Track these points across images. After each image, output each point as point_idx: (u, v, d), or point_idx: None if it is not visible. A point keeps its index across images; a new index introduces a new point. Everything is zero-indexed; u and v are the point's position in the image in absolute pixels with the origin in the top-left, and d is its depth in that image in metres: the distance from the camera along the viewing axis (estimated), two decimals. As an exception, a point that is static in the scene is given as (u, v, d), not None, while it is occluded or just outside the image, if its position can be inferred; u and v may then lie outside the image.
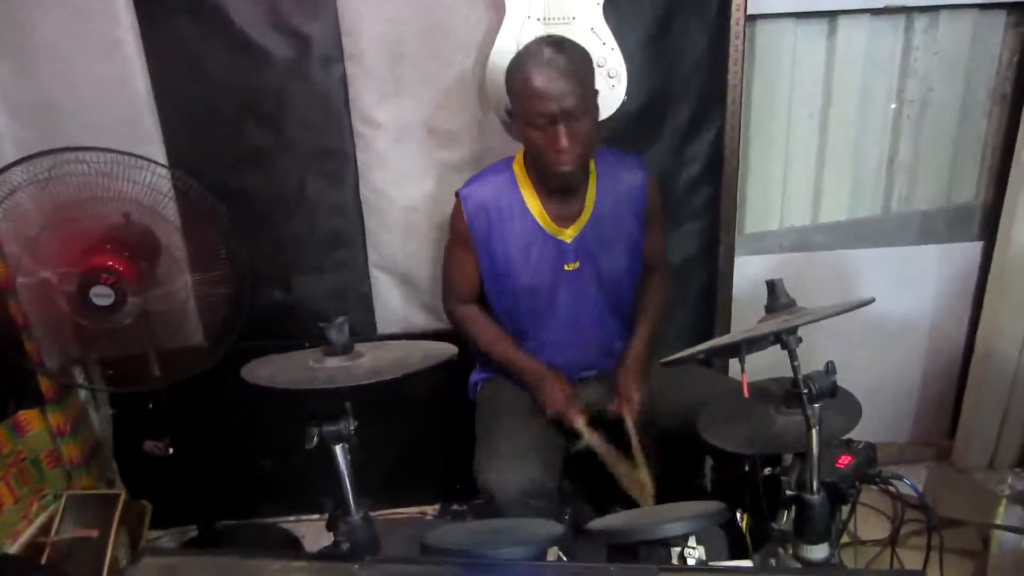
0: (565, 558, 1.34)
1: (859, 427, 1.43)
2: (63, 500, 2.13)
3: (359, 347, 1.40)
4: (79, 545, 2.09)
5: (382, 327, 2.36)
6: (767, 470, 1.45)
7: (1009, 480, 2.40)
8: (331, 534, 1.34)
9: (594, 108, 1.74)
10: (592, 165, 1.87)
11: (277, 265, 2.27)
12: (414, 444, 2.48)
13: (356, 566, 1.23)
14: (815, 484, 1.33)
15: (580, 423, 1.78)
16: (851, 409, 1.47)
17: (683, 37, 2.12)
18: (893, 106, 2.41)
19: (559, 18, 1.89)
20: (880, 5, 2.24)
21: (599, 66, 1.87)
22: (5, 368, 2.07)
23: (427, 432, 2.47)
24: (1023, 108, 2.29)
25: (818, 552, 1.35)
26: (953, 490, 2.45)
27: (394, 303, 2.34)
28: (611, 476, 1.78)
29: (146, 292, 1.89)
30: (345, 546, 1.30)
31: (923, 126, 2.42)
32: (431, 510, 2.54)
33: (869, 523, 2.08)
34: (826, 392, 1.36)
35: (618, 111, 1.99)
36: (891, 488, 1.50)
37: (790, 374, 1.36)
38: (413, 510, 2.56)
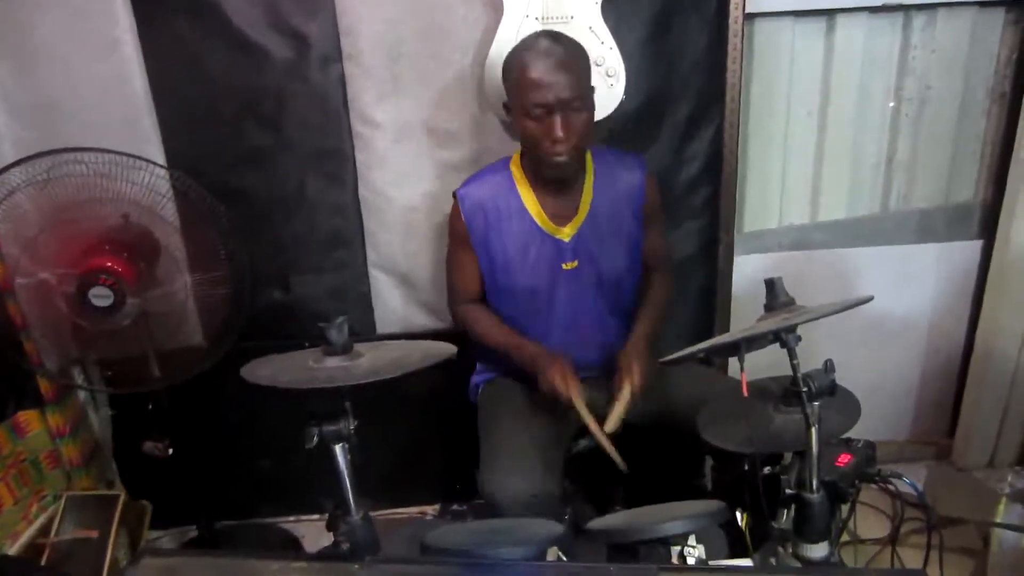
0: (565, 558, 1.34)
1: (858, 426, 1.43)
2: (63, 501, 2.13)
3: (358, 347, 1.40)
4: (79, 546, 2.09)
5: (381, 327, 2.36)
6: (767, 469, 1.45)
7: (1009, 478, 2.40)
8: (331, 534, 1.34)
9: (590, 103, 1.75)
10: (589, 163, 1.87)
11: (276, 265, 2.27)
12: (414, 444, 2.48)
13: (356, 566, 1.23)
14: (815, 483, 1.32)
15: (576, 395, 1.73)
16: (850, 408, 1.47)
17: (681, 36, 2.12)
18: (891, 104, 2.40)
19: (557, 17, 1.90)
20: (878, 3, 2.24)
21: (597, 65, 1.87)
22: (4, 369, 2.07)
23: (427, 432, 2.47)
24: (1022, 106, 2.29)
25: (818, 551, 1.35)
26: (953, 489, 2.45)
27: (393, 303, 2.34)
28: (610, 476, 1.78)
29: (145, 293, 1.89)
30: (345, 546, 1.30)
31: (922, 124, 2.42)
32: (431, 510, 2.54)
33: (869, 522, 2.08)
34: (825, 391, 1.36)
35: (617, 110, 1.99)
36: (891, 487, 1.50)
37: (789, 373, 1.36)
38: (413, 510, 2.56)
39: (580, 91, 1.70)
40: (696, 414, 1.57)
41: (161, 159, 2.07)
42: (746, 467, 1.46)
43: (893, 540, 1.76)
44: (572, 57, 1.70)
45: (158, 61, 2.03)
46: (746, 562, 1.38)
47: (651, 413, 1.87)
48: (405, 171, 2.17)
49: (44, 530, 2.11)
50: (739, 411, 1.46)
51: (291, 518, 2.56)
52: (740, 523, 1.47)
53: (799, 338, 1.35)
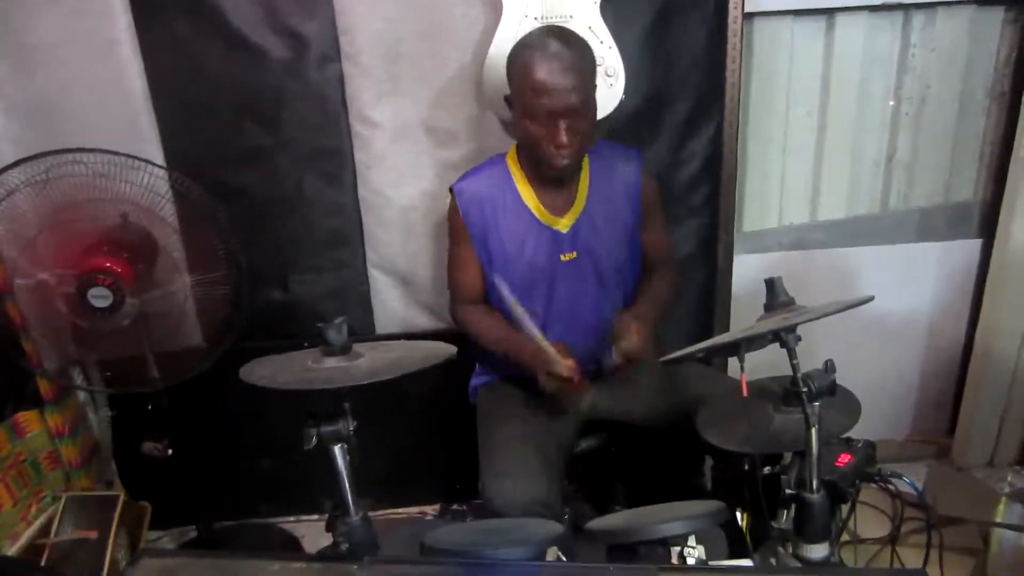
0: (564, 558, 1.34)
1: (858, 425, 1.43)
2: (62, 501, 2.13)
3: (358, 347, 1.40)
4: (78, 546, 2.08)
5: (381, 327, 2.36)
6: (766, 469, 1.45)
7: (1009, 478, 2.41)
8: (330, 534, 1.34)
9: (593, 104, 1.74)
10: (585, 155, 1.87)
11: (276, 265, 2.26)
12: (414, 444, 2.48)
13: (355, 566, 1.23)
14: (815, 483, 1.32)
15: (572, 371, 1.69)
16: (850, 407, 1.47)
17: (681, 35, 2.12)
18: (891, 103, 2.41)
19: (556, 16, 1.89)
20: (878, 2, 2.24)
21: (597, 64, 1.87)
22: (4, 369, 2.07)
23: (427, 432, 2.47)
24: (1021, 105, 2.29)
25: (818, 551, 1.35)
26: (953, 488, 2.45)
27: (393, 303, 2.34)
28: (611, 476, 1.78)
29: (144, 293, 1.89)
30: (344, 546, 1.30)
31: (921, 123, 2.42)
32: (431, 510, 2.54)
33: (869, 521, 2.08)
34: (825, 390, 1.36)
35: (616, 110, 1.99)
36: (891, 486, 1.50)
37: (789, 373, 1.36)
38: (413, 510, 2.56)
39: (587, 96, 1.68)
40: (696, 414, 1.57)
41: (160, 159, 2.07)
42: (746, 467, 1.46)
43: (893, 540, 1.76)
44: (580, 62, 1.67)
45: (156, 61, 2.03)
46: (746, 562, 1.38)
47: (651, 413, 1.86)
48: (404, 171, 2.17)
49: (43, 531, 2.11)
50: (739, 411, 1.45)
51: (291, 518, 2.55)
52: (740, 523, 1.47)
53: (799, 338, 1.35)
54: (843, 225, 2.51)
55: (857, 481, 1.43)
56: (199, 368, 2.03)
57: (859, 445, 1.48)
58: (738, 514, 1.47)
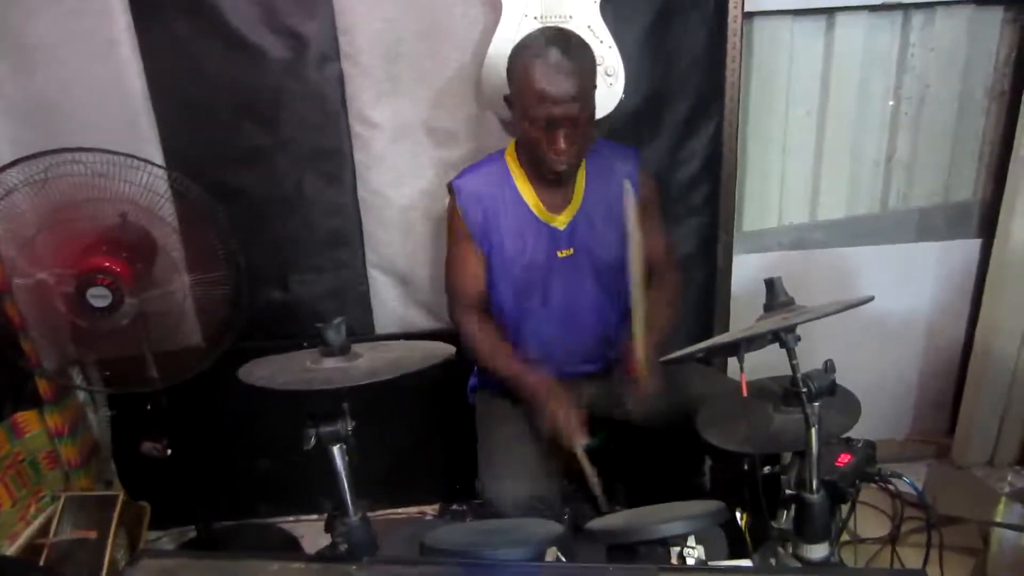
0: (564, 558, 1.34)
1: (858, 425, 1.43)
2: (61, 501, 2.13)
3: (357, 348, 1.40)
4: (78, 546, 2.08)
5: (380, 327, 2.36)
6: (766, 469, 1.45)
7: (1009, 477, 2.41)
8: (329, 535, 1.34)
9: (592, 107, 1.73)
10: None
11: (275, 265, 2.26)
12: (413, 444, 2.48)
13: (354, 567, 1.23)
14: (815, 483, 1.32)
15: (578, 445, 1.70)
16: (850, 407, 1.47)
17: (680, 35, 2.12)
18: (891, 103, 2.41)
19: (556, 16, 1.89)
20: (877, 2, 2.24)
21: (596, 64, 1.87)
22: (3, 369, 2.07)
23: (426, 432, 2.47)
24: (1021, 104, 2.28)
25: (818, 551, 1.35)
26: (953, 488, 2.45)
27: (392, 303, 2.34)
28: (611, 476, 1.78)
29: (143, 293, 1.89)
30: (343, 547, 1.30)
31: (921, 123, 2.42)
32: (431, 510, 2.54)
33: (869, 521, 2.08)
34: (825, 390, 1.35)
35: (616, 109, 1.99)
36: (891, 486, 1.50)
37: (789, 373, 1.36)
38: (412, 510, 2.56)
39: (587, 103, 1.68)
40: (696, 414, 1.57)
41: (159, 159, 2.07)
42: (746, 467, 1.46)
43: (893, 539, 1.76)
44: (582, 70, 1.66)
45: (156, 61, 2.03)
46: (746, 563, 1.38)
47: (651, 413, 1.86)
48: (404, 171, 2.17)
49: (43, 530, 2.10)
50: (739, 411, 1.45)
51: (290, 518, 2.55)
52: (740, 523, 1.47)
53: (798, 338, 1.35)
54: (843, 225, 2.51)
55: (857, 481, 1.43)
56: (198, 368, 2.02)
57: (859, 445, 1.48)
58: (738, 514, 1.47)
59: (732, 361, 2.32)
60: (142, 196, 1.87)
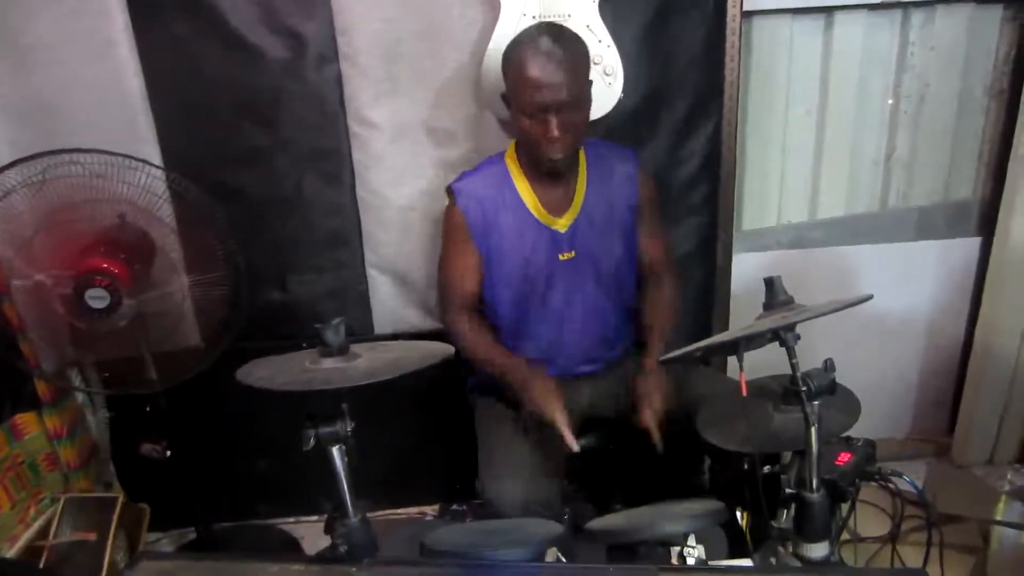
0: (564, 559, 1.33)
1: (858, 424, 1.43)
2: (61, 503, 2.12)
3: (355, 348, 1.40)
4: (77, 548, 2.08)
5: (379, 327, 2.36)
6: (766, 468, 1.45)
7: (1009, 476, 2.41)
8: (329, 536, 1.34)
9: (588, 100, 1.75)
10: (582, 155, 1.87)
11: (274, 265, 2.26)
12: (413, 444, 2.48)
13: (354, 568, 1.23)
14: (815, 482, 1.32)
15: (561, 422, 1.68)
16: (850, 406, 1.47)
17: (679, 33, 2.11)
18: (890, 102, 2.40)
19: (554, 15, 1.89)
20: (876, 0, 2.23)
21: (595, 64, 1.87)
22: (1, 371, 2.07)
23: (426, 432, 2.47)
24: (1020, 102, 2.28)
25: (818, 550, 1.34)
26: (953, 486, 2.44)
27: (391, 303, 2.34)
28: (612, 475, 1.77)
29: (142, 294, 1.89)
30: (343, 548, 1.30)
31: (920, 122, 2.42)
32: (431, 510, 2.54)
33: (869, 520, 2.08)
34: (825, 390, 1.35)
35: (615, 108, 1.99)
36: (891, 485, 1.50)
37: (789, 371, 1.35)
38: (413, 510, 2.56)
39: (579, 91, 1.70)
40: (696, 414, 1.57)
41: (157, 159, 2.06)
42: (746, 466, 1.45)
43: (893, 538, 1.77)
44: (573, 58, 1.68)
45: (154, 61, 2.02)
46: (746, 562, 1.38)
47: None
48: (403, 171, 2.16)
49: (42, 532, 2.10)
50: (738, 410, 1.45)
51: (290, 519, 2.55)
52: (740, 523, 1.47)
53: (798, 337, 1.35)
54: (842, 223, 2.51)
55: (857, 480, 1.43)
56: (197, 369, 2.02)
57: (859, 444, 1.48)
58: (738, 513, 1.47)
59: (732, 360, 2.31)
60: (140, 197, 1.87)
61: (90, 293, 1.79)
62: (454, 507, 2.46)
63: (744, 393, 1.37)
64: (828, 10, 2.26)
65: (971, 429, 2.57)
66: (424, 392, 2.30)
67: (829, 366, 1.39)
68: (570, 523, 1.69)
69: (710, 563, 1.29)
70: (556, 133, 1.68)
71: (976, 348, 2.52)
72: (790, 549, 1.38)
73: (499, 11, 1.90)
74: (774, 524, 1.41)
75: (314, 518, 2.50)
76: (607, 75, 1.94)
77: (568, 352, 1.93)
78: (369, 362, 1.37)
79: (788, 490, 1.37)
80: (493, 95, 1.90)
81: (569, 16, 1.88)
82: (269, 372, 1.37)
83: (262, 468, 2.45)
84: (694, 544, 1.29)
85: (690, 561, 1.26)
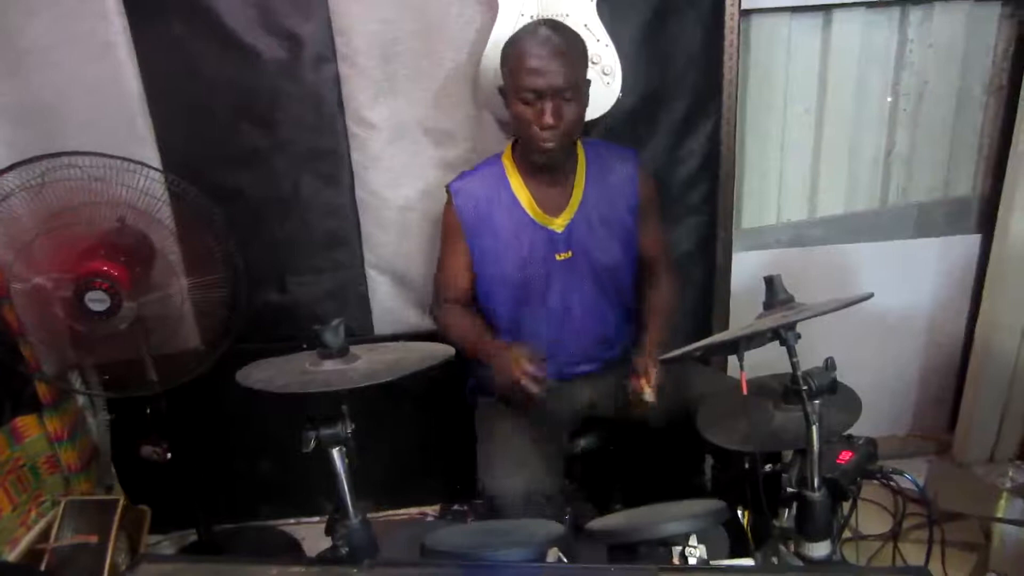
0: (565, 559, 1.33)
1: (859, 422, 1.43)
2: (62, 506, 2.12)
3: (355, 349, 1.40)
4: (78, 551, 2.08)
5: (379, 327, 2.35)
6: (767, 467, 1.45)
7: (1010, 473, 2.41)
8: (330, 538, 1.34)
9: (583, 96, 1.76)
10: (581, 155, 1.87)
11: (273, 267, 2.26)
12: (414, 445, 2.47)
13: (354, 570, 1.22)
14: (816, 481, 1.32)
15: (530, 383, 1.65)
16: (851, 405, 1.47)
17: (677, 32, 2.11)
18: (889, 99, 2.40)
19: (552, 15, 1.88)
20: (875, -2, 2.24)
21: (593, 63, 1.86)
22: (2, 374, 2.06)
23: (426, 433, 2.46)
24: (1019, 99, 2.28)
25: (820, 549, 1.35)
26: (954, 484, 2.44)
27: (391, 303, 2.33)
28: (611, 476, 1.77)
29: (141, 297, 1.89)
30: (343, 550, 1.30)
31: (919, 119, 2.42)
32: (431, 511, 2.54)
33: (870, 518, 2.07)
34: (826, 388, 1.35)
35: (613, 108, 1.98)
36: (892, 483, 1.50)
37: (789, 370, 1.35)
38: (413, 511, 2.55)
39: (573, 81, 1.71)
40: (696, 413, 1.57)
41: (156, 161, 2.06)
42: (747, 466, 1.45)
43: (895, 536, 1.76)
44: (569, 47, 1.71)
45: (152, 63, 2.02)
46: (748, 561, 1.37)
47: (651, 412, 1.85)
48: (401, 171, 2.16)
49: (43, 535, 2.10)
50: (739, 410, 1.45)
51: (291, 520, 2.55)
52: (742, 522, 1.47)
53: (798, 335, 1.35)
54: (842, 221, 2.51)
55: (858, 478, 1.43)
56: (197, 371, 2.02)
57: (860, 442, 1.48)
58: (739, 513, 1.46)
59: (732, 359, 2.31)
60: (139, 199, 1.87)
61: (90, 296, 1.79)
62: (455, 507, 2.45)
63: (745, 392, 1.37)
64: (826, 8, 2.25)
65: (972, 426, 2.57)
66: (424, 393, 2.30)
67: (830, 365, 1.39)
68: (571, 523, 1.69)
69: (712, 563, 1.29)
70: (549, 120, 1.69)
71: (976, 345, 2.52)
72: (792, 548, 1.38)
73: (497, 11, 1.90)
74: (776, 523, 1.41)
75: (315, 519, 2.50)
76: (605, 75, 1.94)
77: (567, 351, 1.93)
78: (369, 364, 1.37)
79: (789, 489, 1.37)
80: (491, 95, 1.90)
81: (567, 15, 1.88)
82: (269, 374, 1.37)
83: (263, 470, 2.45)
84: (695, 544, 1.28)
85: (691, 561, 1.26)
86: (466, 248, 1.87)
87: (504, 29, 1.88)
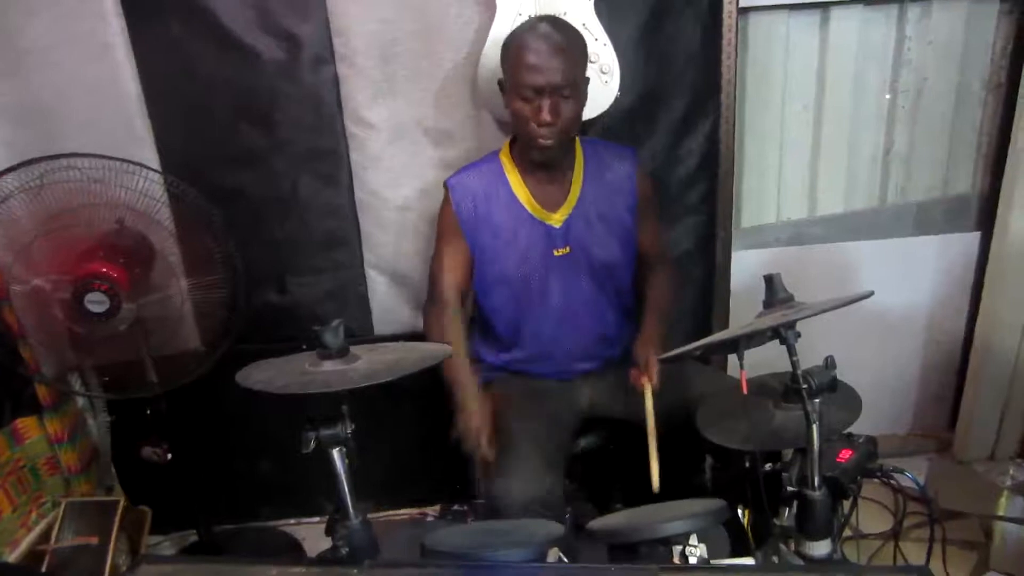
0: (565, 559, 1.33)
1: (859, 420, 1.43)
2: (62, 507, 2.12)
3: (355, 350, 1.39)
4: (79, 552, 2.08)
5: (379, 327, 2.35)
6: (767, 466, 1.45)
7: (1010, 471, 2.41)
8: (330, 538, 1.34)
9: (581, 93, 1.76)
10: (579, 152, 1.87)
11: (273, 267, 2.26)
12: (414, 445, 2.47)
13: (354, 570, 1.22)
14: (816, 479, 1.32)
15: (472, 431, 1.74)
16: (851, 403, 1.47)
17: (675, 31, 2.11)
18: (888, 97, 2.40)
19: (550, 14, 1.88)
20: (873, -5, 2.23)
21: (591, 62, 1.86)
22: (1, 376, 2.06)
23: (426, 432, 2.45)
24: (1018, 96, 2.28)
25: (821, 548, 1.34)
26: (954, 482, 2.44)
27: (391, 303, 2.33)
28: (611, 476, 1.77)
29: (141, 298, 1.89)
30: (344, 550, 1.30)
31: (918, 116, 2.42)
32: (432, 511, 2.53)
33: (871, 517, 2.07)
34: (826, 387, 1.35)
35: (612, 106, 1.98)
36: (892, 481, 1.50)
37: (789, 369, 1.35)
38: (414, 511, 2.55)
39: (572, 79, 1.71)
40: (696, 413, 1.57)
41: (155, 162, 2.06)
42: (747, 465, 1.45)
43: (896, 535, 1.76)
44: (569, 44, 1.71)
45: (150, 64, 2.02)
46: (748, 561, 1.38)
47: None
48: (400, 171, 2.16)
49: (44, 537, 2.10)
50: (739, 409, 1.45)
51: (291, 521, 2.55)
52: (742, 521, 1.47)
53: (798, 334, 1.35)
54: (841, 220, 2.51)
55: (859, 477, 1.43)
56: (197, 372, 2.02)
57: (860, 441, 1.48)
58: (740, 512, 1.46)
59: (732, 358, 2.31)
60: (138, 201, 1.87)
61: (89, 298, 1.79)
62: (455, 508, 2.45)
63: (745, 391, 1.37)
64: (824, 5, 2.25)
65: (972, 425, 2.57)
66: (424, 392, 2.29)
67: (830, 363, 1.39)
68: (571, 523, 1.69)
69: (712, 562, 1.29)
70: (548, 116, 1.69)
71: (976, 343, 2.51)
72: (792, 547, 1.38)
73: (495, 10, 1.90)
74: (776, 522, 1.41)
75: (316, 519, 2.51)
76: (604, 73, 1.94)
77: (566, 349, 1.93)
78: (369, 364, 1.36)
79: (790, 488, 1.37)
80: (490, 94, 1.90)
81: (565, 14, 1.88)
82: (268, 375, 1.37)
83: (263, 470, 2.45)
84: (696, 543, 1.28)
85: (692, 560, 1.26)
86: (464, 245, 1.87)
87: (502, 29, 1.88)
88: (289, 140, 2.12)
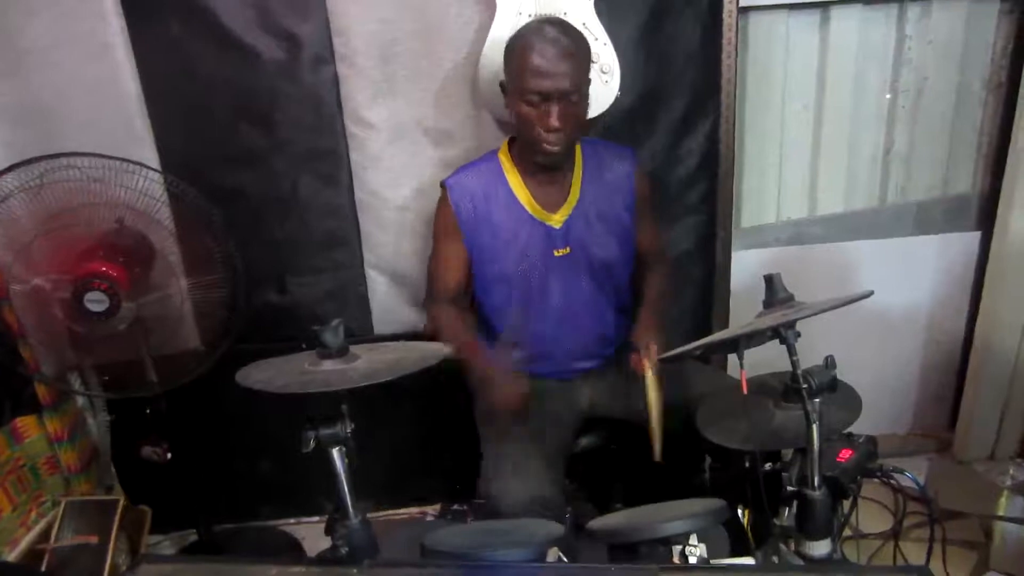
0: (565, 559, 1.33)
1: (859, 420, 1.43)
2: (62, 506, 2.12)
3: (355, 349, 1.40)
4: (79, 551, 2.07)
5: (379, 327, 2.35)
6: (767, 466, 1.45)
7: (1011, 471, 2.41)
8: (330, 538, 1.34)
9: (586, 96, 1.75)
10: (579, 152, 1.87)
11: (273, 267, 2.26)
12: (413, 444, 2.47)
13: (354, 570, 1.22)
14: (816, 479, 1.32)
15: (508, 416, 1.72)
16: (851, 403, 1.47)
17: (675, 31, 2.11)
18: (888, 96, 2.40)
19: (550, 13, 1.88)
20: (873, -5, 2.23)
21: (592, 62, 1.86)
22: (1, 375, 2.06)
23: (426, 432, 2.46)
24: (1018, 96, 2.28)
25: (820, 547, 1.34)
26: (954, 482, 2.44)
27: (391, 303, 2.33)
28: (611, 475, 1.77)
29: (140, 297, 1.89)
30: (343, 549, 1.30)
31: (918, 116, 2.42)
32: (431, 510, 2.53)
33: (871, 517, 2.07)
34: (826, 386, 1.35)
35: (612, 106, 1.98)
36: (892, 481, 1.50)
37: (789, 369, 1.35)
38: (413, 510, 2.55)
39: (579, 84, 1.70)
40: (696, 412, 1.57)
41: (155, 161, 2.06)
42: (747, 464, 1.45)
43: (896, 534, 1.76)
44: (576, 49, 1.70)
45: (150, 64, 2.02)
46: (748, 560, 1.37)
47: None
48: (400, 171, 2.16)
49: (43, 536, 2.10)
50: (739, 409, 1.45)
51: (291, 520, 2.55)
52: (742, 521, 1.46)
53: (798, 334, 1.35)
54: (841, 219, 2.51)
55: (859, 476, 1.43)
56: (197, 371, 2.02)
57: (860, 440, 1.48)
58: (740, 512, 1.46)
59: (732, 358, 2.30)
60: (138, 200, 1.87)
61: (89, 297, 1.79)
62: (455, 507, 2.45)
63: (745, 391, 1.37)
64: (824, 5, 2.25)
65: (972, 424, 2.57)
66: (424, 393, 2.30)
67: (830, 363, 1.39)
68: (571, 523, 1.69)
69: (712, 562, 1.28)
70: (555, 123, 1.68)
71: (976, 343, 2.51)
72: (792, 547, 1.38)
73: (495, 10, 1.90)
74: (776, 522, 1.41)
75: (315, 519, 2.51)
76: (604, 73, 1.93)
77: (566, 348, 1.94)
78: (368, 363, 1.36)
79: (790, 488, 1.37)
80: (490, 94, 1.90)
81: (565, 14, 1.88)
82: (268, 374, 1.37)
83: (263, 470, 2.45)
84: (696, 543, 1.28)
85: (692, 560, 1.26)
86: (462, 245, 1.87)
87: (502, 28, 1.88)
88: (289, 140, 2.12)
